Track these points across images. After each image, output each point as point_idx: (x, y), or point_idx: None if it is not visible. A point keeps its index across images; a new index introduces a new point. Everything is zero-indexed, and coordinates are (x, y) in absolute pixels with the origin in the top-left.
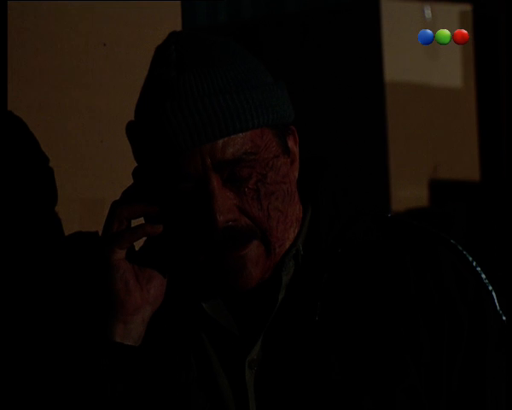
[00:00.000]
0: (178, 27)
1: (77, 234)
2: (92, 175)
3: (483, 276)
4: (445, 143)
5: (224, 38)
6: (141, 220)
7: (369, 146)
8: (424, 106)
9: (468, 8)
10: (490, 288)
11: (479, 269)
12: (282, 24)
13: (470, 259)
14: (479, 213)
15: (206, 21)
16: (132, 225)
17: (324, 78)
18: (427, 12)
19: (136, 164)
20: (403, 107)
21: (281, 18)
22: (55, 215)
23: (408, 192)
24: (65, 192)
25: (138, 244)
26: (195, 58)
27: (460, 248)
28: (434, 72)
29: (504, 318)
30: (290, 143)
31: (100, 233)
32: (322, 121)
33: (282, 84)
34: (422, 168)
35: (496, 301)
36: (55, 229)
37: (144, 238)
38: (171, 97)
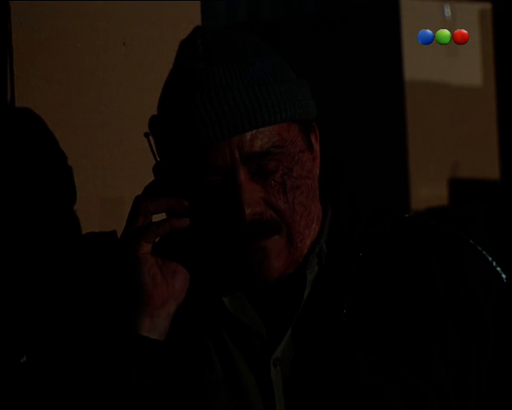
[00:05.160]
0: None
1: (96, 233)
2: (112, 174)
3: (503, 276)
4: (464, 142)
5: (246, 34)
6: (163, 215)
7: (388, 145)
8: (444, 104)
9: (487, 6)
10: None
11: (499, 269)
12: (301, 23)
13: (490, 259)
14: (499, 212)
15: (225, 20)
16: (154, 220)
17: (344, 76)
18: (447, 10)
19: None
20: (423, 105)
21: (300, 17)
22: (74, 214)
23: (428, 191)
24: (85, 191)
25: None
26: (222, 51)
27: (480, 248)
28: (454, 70)
29: None
30: (313, 140)
31: (119, 232)
32: (342, 120)
33: (304, 81)
34: (442, 167)
35: None
36: (74, 228)
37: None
38: (200, 89)
